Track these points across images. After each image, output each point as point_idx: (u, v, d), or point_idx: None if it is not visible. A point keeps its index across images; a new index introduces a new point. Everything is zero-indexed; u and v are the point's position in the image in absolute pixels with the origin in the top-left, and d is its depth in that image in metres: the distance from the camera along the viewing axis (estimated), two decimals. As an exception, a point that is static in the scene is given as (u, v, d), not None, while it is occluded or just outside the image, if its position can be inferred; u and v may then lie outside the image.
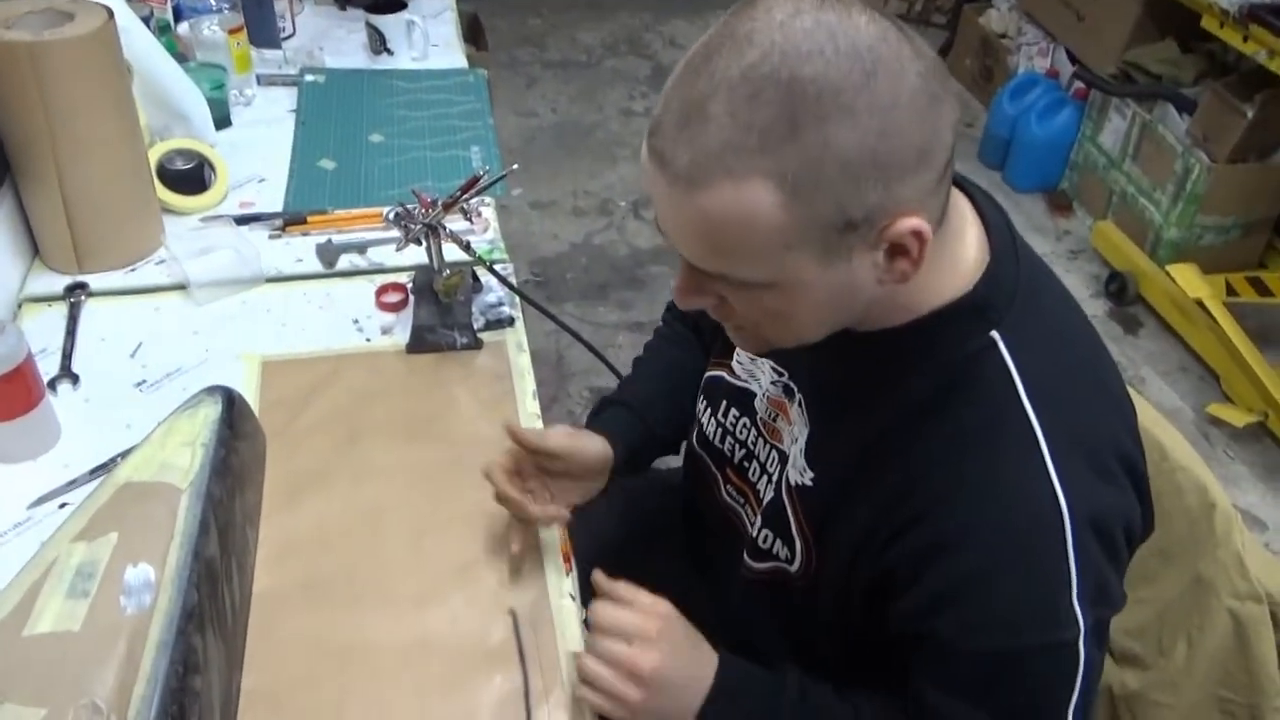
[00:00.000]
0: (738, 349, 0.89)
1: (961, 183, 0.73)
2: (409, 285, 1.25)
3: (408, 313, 1.22)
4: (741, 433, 0.91)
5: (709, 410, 0.95)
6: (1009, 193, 3.14)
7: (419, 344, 1.17)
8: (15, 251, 1.20)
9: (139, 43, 1.32)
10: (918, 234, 0.61)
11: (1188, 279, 2.39)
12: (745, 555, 0.88)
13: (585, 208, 2.92)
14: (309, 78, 1.70)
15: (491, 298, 1.25)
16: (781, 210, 0.59)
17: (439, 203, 1.15)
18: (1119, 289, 2.67)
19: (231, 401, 0.96)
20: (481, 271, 1.25)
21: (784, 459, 0.84)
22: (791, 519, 0.81)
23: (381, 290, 1.25)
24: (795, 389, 0.83)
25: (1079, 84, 3.00)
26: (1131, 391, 0.94)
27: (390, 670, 0.85)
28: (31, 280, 1.21)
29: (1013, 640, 0.68)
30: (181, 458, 0.87)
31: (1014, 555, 0.68)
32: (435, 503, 0.99)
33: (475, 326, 1.20)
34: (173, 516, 0.82)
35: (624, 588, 0.80)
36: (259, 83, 1.66)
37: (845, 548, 0.76)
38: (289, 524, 0.96)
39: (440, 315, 1.19)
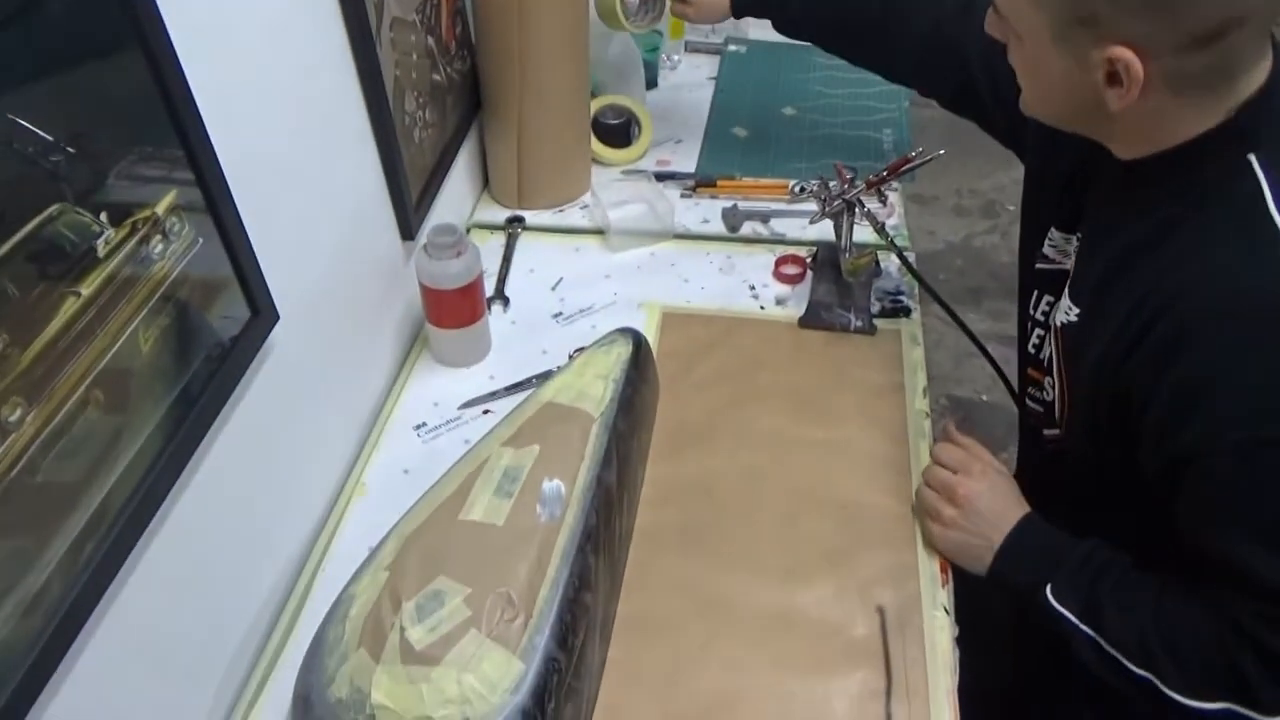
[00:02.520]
0: (1048, 235, 0.95)
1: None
2: (808, 260, 1.24)
3: (803, 287, 1.21)
4: (1054, 319, 0.92)
5: (1029, 310, 0.98)
6: None
7: (813, 319, 1.16)
8: (471, 184, 1.36)
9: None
10: (1128, 68, 0.67)
11: None
12: (1044, 429, 0.94)
13: (969, 207, 2.77)
14: (732, 47, 1.74)
15: (890, 284, 1.21)
16: None
17: (861, 179, 1.12)
18: None
19: (639, 345, 1.01)
20: (883, 256, 1.22)
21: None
22: (1054, 363, 0.89)
23: (781, 261, 1.25)
24: (1080, 239, 0.89)
25: None
26: None
27: (751, 634, 0.85)
28: (480, 209, 1.36)
29: (1263, 427, 0.67)
30: (595, 388, 0.93)
31: (1258, 336, 0.68)
32: (813, 482, 0.98)
33: (871, 311, 1.17)
34: (584, 441, 0.88)
35: (970, 439, 0.93)
36: (686, 49, 1.74)
37: (1089, 372, 0.79)
38: (671, 471, 1.00)
39: (838, 294, 1.17)
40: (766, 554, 0.92)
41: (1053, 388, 0.91)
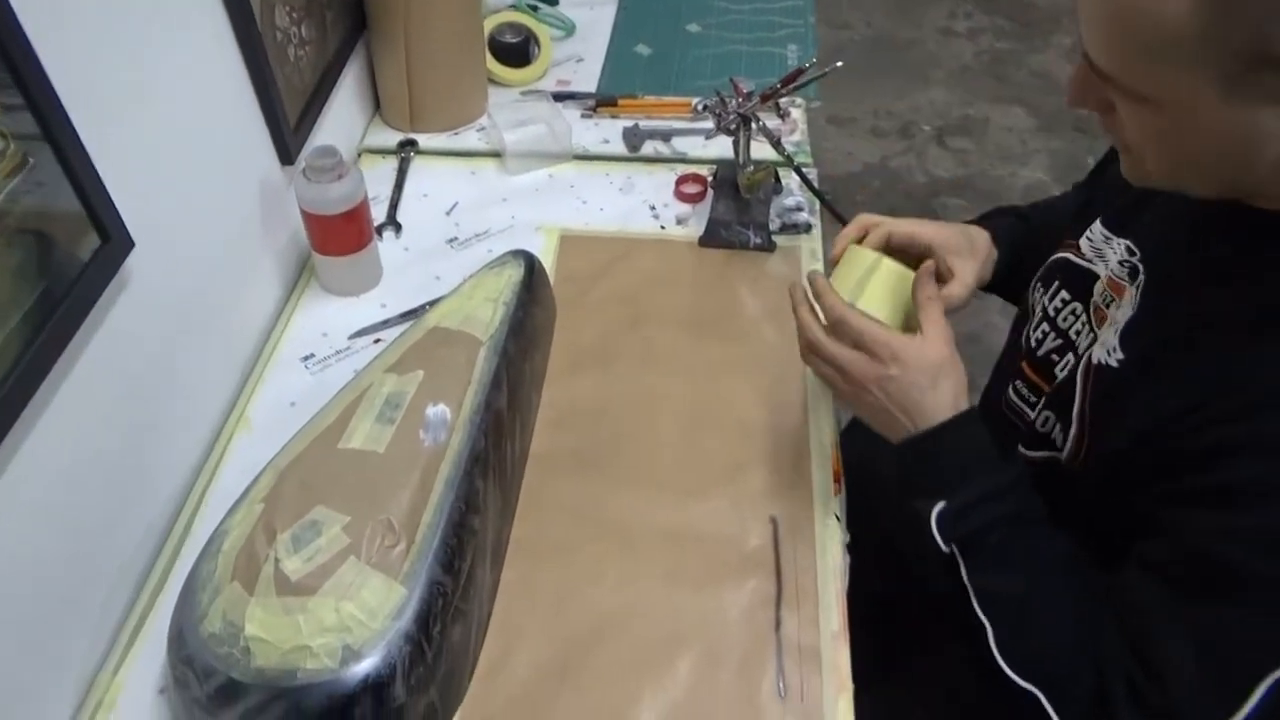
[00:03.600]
0: (1091, 226, 0.82)
1: None
2: (709, 178, 1.23)
3: (704, 205, 1.20)
4: (1065, 320, 0.81)
5: (1043, 296, 0.86)
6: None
7: (712, 238, 1.15)
8: (361, 105, 1.30)
9: (487, -86, 1.37)
10: None
11: None
12: (1020, 446, 0.81)
13: (886, 129, 2.76)
14: (635, -37, 1.69)
15: (790, 201, 1.20)
16: (1193, 16, 0.52)
17: (756, 94, 1.10)
18: None
19: (532, 267, 0.99)
20: (784, 173, 1.21)
21: (1093, 342, 0.76)
22: (1076, 400, 0.74)
23: (682, 180, 1.23)
24: (1141, 270, 0.74)
25: None
26: None
27: (646, 551, 0.85)
28: (371, 133, 1.31)
29: (1261, 563, 0.59)
30: (484, 311, 0.91)
31: None
32: (709, 399, 0.98)
33: (771, 228, 1.16)
34: (471, 365, 0.86)
35: (929, 294, 0.78)
36: (588, -36, 1.67)
37: (1129, 432, 0.68)
38: (568, 394, 0.98)
39: (737, 212, 1.16)
40: (662, 473, 0.92)
41: (1054, 413, 0.78)
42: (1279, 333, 0.62)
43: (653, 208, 1.21)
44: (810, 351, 0.80)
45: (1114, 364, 0.71)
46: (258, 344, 1.02)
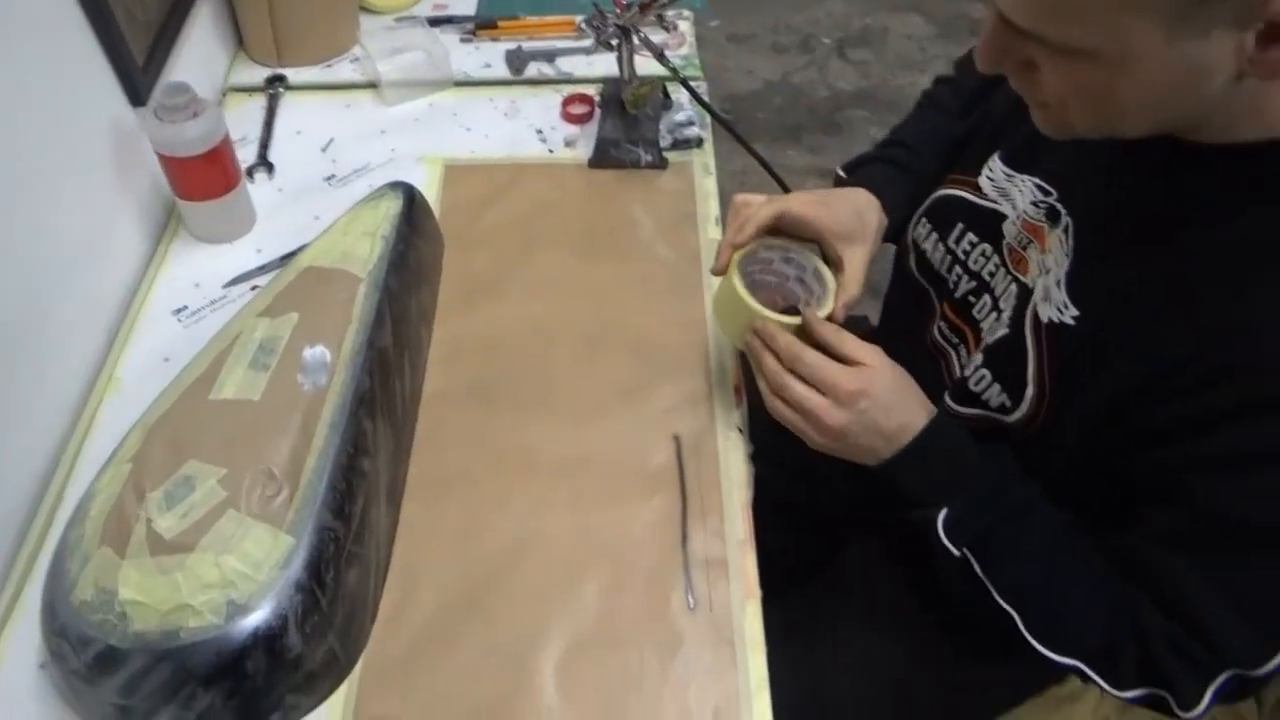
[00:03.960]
0: (989, 163, 0.78)
1: None
2: (596, 98, 1.19)
3: (593, 126, 1.16)
4: (976, 262, 0.79)
5: (934, 234, 0.83)
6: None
7: (602, 158, 1.11)
8: (221, 41, 1.22)
9: None
10: None
11: None
12: (947, 398, 0.78)
13: (786, 44, 2.73)
14: (509, -124, 1.61)
15: (681, 116, 1.17)
16: None
17: (635, 5, 1.06)
18: None
19: (412, 198, 0.95)
20: (673, 88, 1.17)
21: (1025, 293, 0.72)
22: (1031, 362, 0.70)
23: (568, 101, 1.19)
24: (1063, 212, 0.71)
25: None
26: None
27: (549, 479, 0.84)
28: (235, 71, 1.23)
29: None
30: (362, 247, 0.87)
31: None
32: (606, 321, 0.96)
33: (661, 145, 1.13)
34: (351, 303, 0.82)
35: (832, 330, 0.74)
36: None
37: (1102, 394, 0.65)
38: (462, 327, 0.95)
39: (626, 130, 1.12)
40: (563, 399, 0.90)
41: (993, 372, 0.75)
42: (1253, 278, 0.59)
43: (540, 131, 1.17)
44: (777, 396, 0.75)
45: (1070, 321, 0.68)
46: (124, 299, 0.96)
